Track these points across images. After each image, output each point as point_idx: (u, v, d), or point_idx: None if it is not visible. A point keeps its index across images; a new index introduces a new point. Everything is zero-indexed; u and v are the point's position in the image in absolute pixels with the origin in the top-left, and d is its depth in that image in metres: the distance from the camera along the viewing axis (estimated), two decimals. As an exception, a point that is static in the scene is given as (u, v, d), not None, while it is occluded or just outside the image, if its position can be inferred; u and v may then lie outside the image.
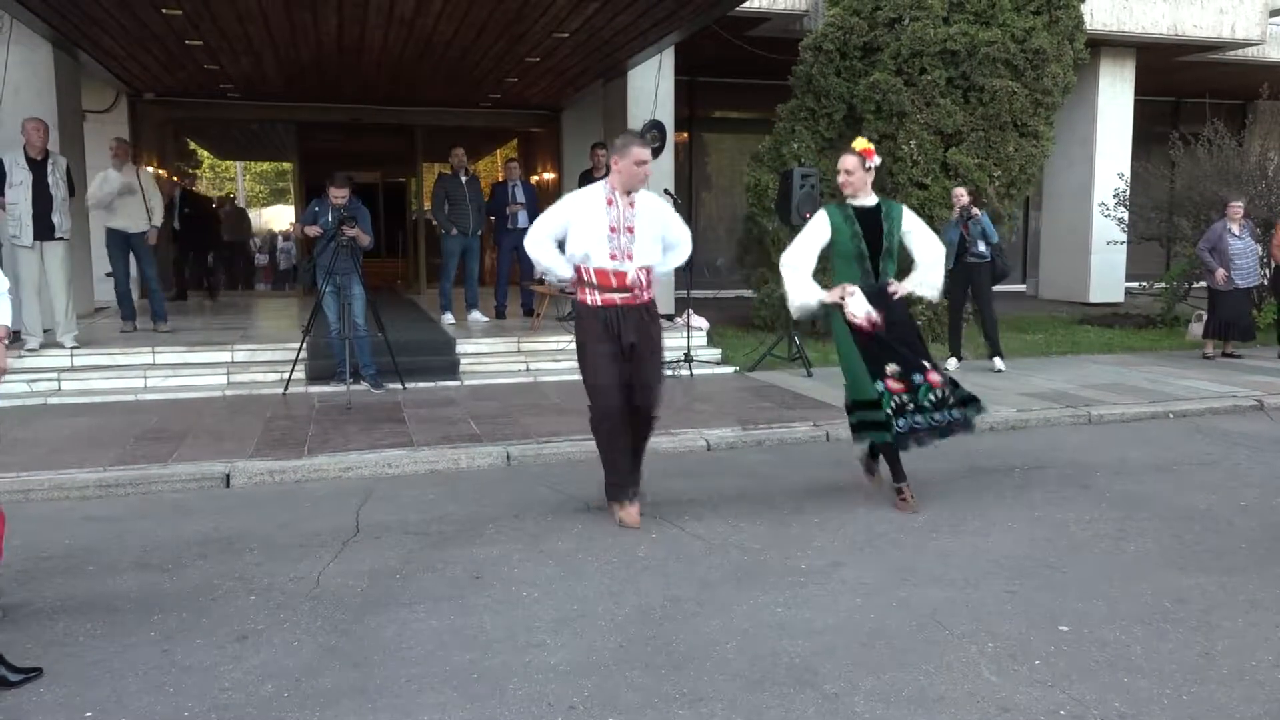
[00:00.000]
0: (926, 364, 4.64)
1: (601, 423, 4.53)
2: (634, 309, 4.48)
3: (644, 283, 4.50)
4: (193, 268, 13.22)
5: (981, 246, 8.38)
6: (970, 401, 4.74)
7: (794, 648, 3.24)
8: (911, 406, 4.56)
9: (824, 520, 4.65)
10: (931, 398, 4.60)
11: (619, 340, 4.44)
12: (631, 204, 4.48)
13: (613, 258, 4.43)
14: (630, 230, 4.45)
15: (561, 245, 4.55)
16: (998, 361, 8.67)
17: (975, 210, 8.41)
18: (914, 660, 3.15)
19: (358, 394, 7.39)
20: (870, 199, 4.76)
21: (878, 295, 4.66)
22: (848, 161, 4.71)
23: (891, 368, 4.58)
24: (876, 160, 4.74)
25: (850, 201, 4.76)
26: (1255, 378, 8.41)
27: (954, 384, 4.74)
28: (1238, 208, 9.45)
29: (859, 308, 4.60)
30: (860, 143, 4.77)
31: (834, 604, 3.61)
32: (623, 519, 4.53)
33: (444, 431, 6.25)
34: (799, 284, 4.73)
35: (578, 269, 4.50)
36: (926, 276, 4.85)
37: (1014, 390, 7.76)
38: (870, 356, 4.62)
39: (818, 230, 4.74)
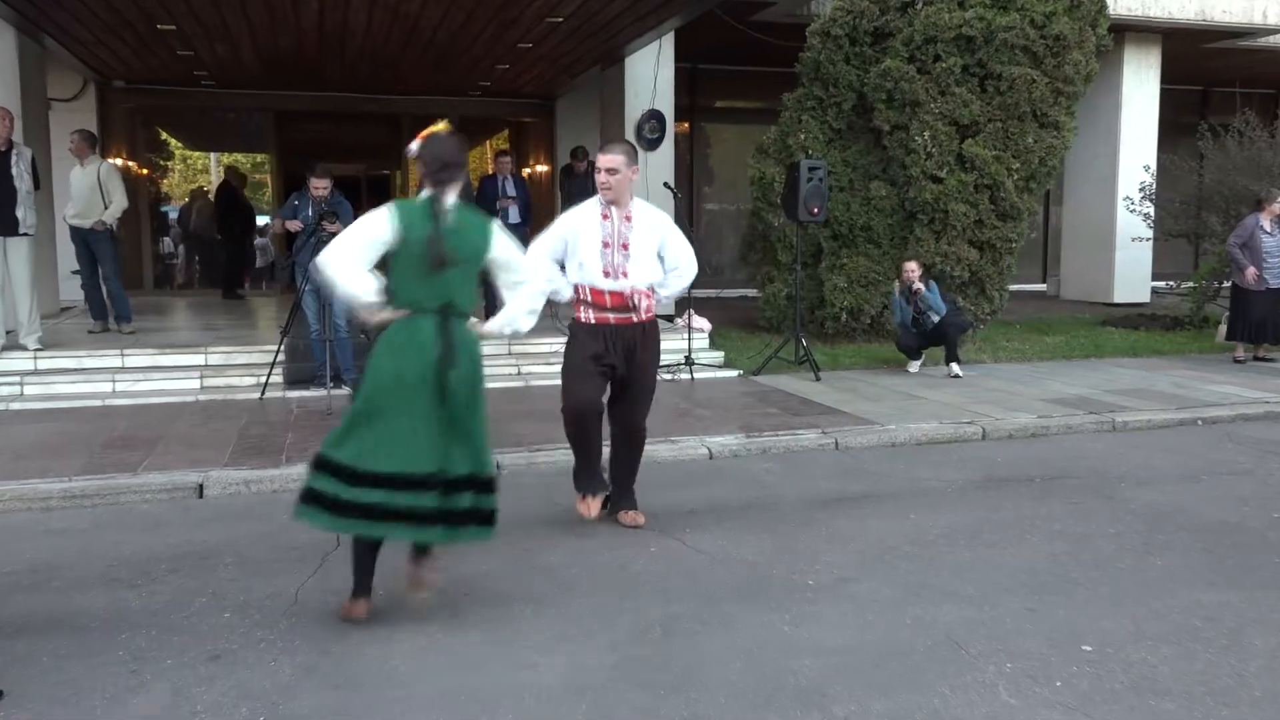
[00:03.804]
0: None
1: (572, 424, 4.60)
2: (628, 328, 4.54)
3: (642, 304, 4.54)
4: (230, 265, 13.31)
5: (934, 318, 8.54)
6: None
7: (801, 667, 3.23)
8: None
9: (833, 533, 4.64)
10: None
11: (606, 357, 4.51)
12: (628, 218, 4.54)
13: (606, 274, 4.50)
14: (625, 247, 4.51)
15: (562, 266, 4.64)
16: (914, 365, 8.82)
17: (919, 286, 8.50)
18: (928, 681, 3.14)
19: (339, 399, 7.38)
20: None
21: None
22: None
23: None
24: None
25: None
26: (1288, 382, 8.42)
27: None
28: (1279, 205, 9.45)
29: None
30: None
31: (843, 621, 3.61)
32: (581, 511, 4.69)
33: (430, 439, 6.23)
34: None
35: (576, 288, 4.59)
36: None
37: (1034, 395, 7.77)
38: None
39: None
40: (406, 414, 3.42)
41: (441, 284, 3.48)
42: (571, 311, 4.65)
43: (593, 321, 4.53)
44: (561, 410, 4.62)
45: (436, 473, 3.44)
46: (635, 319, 4.54)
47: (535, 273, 3.92)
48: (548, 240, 4.63)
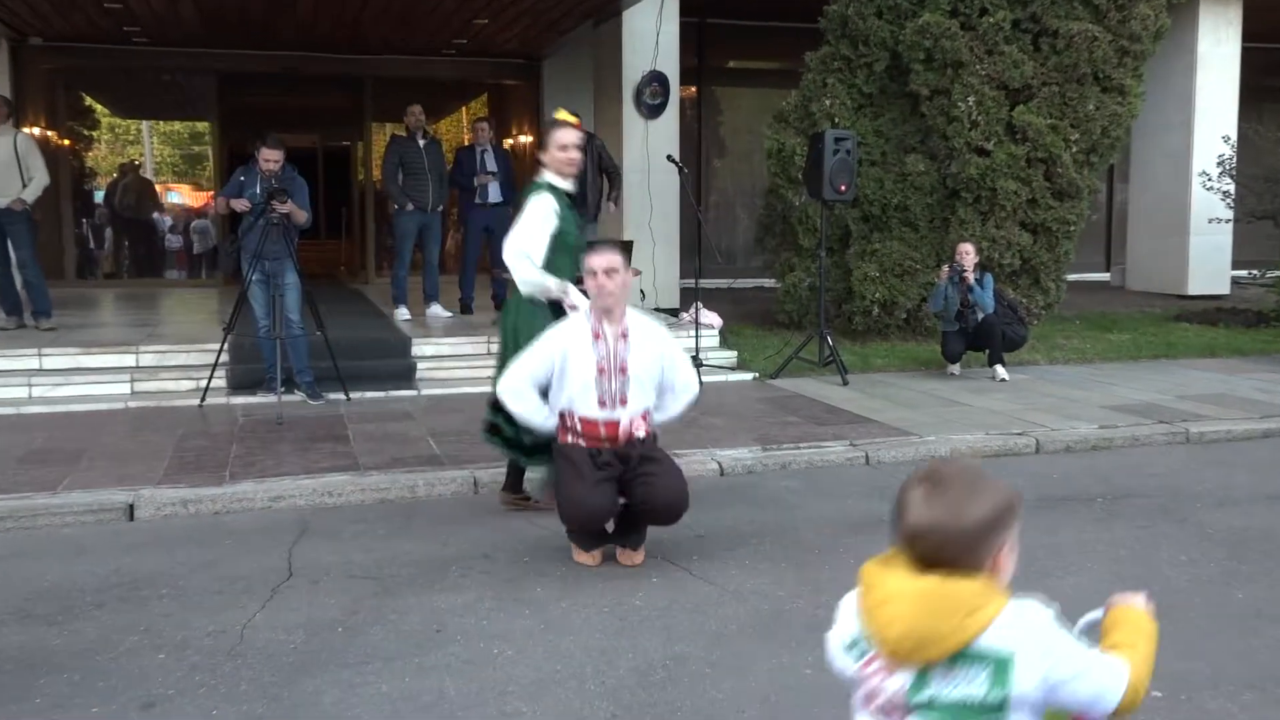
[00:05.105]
0: None
1: (578, 531, 4.60)
2: (627, 445, 4.53)
3: (639, 434, 4.55)
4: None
5: (978, 315, 8.58)
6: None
7: (826, 716, 3.23)
8: None
9: (863, 561, 4.62)
10: None
11: (607, 459, 4.49)
12: (624, 335, 4.50)
13: (601, 404, 4.47)
14: (623, 371, 4.48)
15: (544, 390, 4.60)
16: (955, 367, 8.92)
17: (969, 274, 8.49)
18: (973, 732, 3.14)
19: (291, 406, 7.39)
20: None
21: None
22: (572, 137, 5.04)
23: None
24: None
25: (561, 184, 5.09)
26: (1390, 387, 8.43)
27: None
28: None
29: (581, 300, 4.93)
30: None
31: (875, 663, 3.61)
32: (581, 561, 4.62)
33: (397, 452, 6.25)
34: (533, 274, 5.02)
35: (562, 415, 4.56)
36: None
37: (1095, 402, 7.78)
38: None
39: (547, 219, 4.99)
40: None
41: None
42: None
43: (583, 445, 4.51)
44: (563, 518, 4.55)
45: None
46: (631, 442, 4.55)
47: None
48: (531, 363, 4.56)
